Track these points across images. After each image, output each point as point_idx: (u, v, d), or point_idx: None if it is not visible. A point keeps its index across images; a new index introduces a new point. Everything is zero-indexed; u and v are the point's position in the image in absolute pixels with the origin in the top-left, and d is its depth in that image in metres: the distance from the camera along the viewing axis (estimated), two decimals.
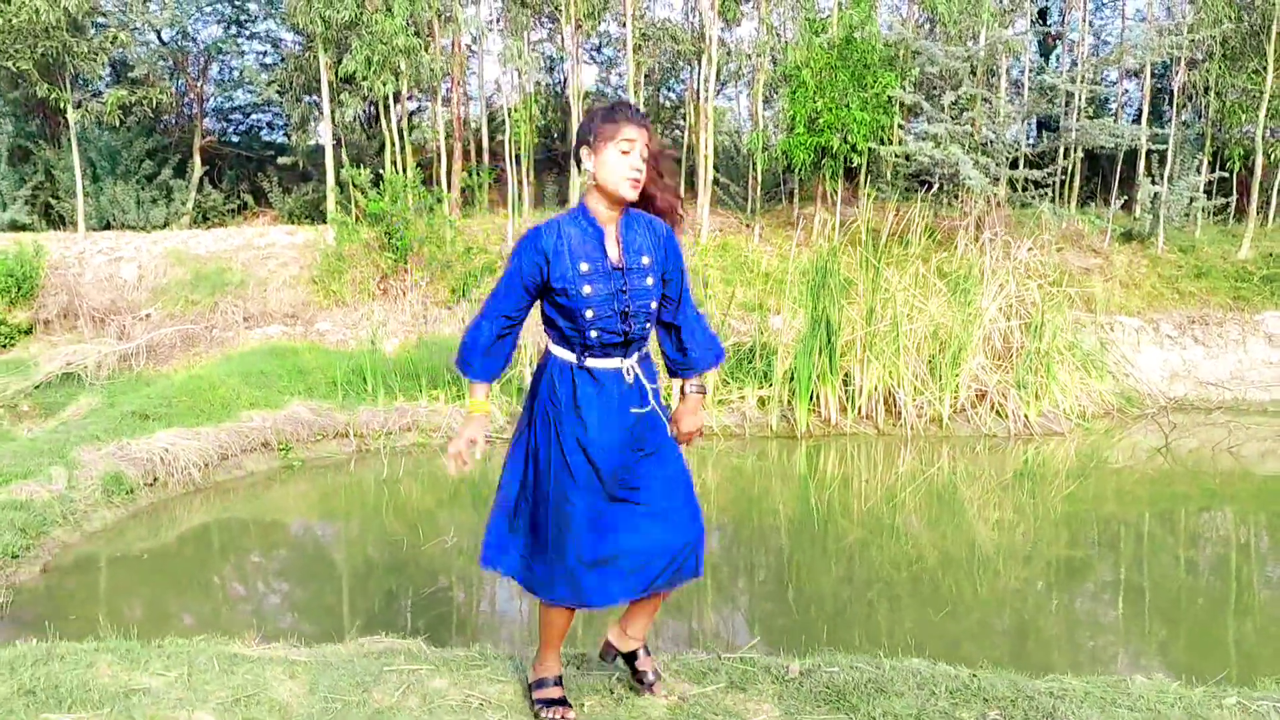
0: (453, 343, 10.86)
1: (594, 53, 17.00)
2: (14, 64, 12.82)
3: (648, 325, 2.90)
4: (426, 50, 13.37)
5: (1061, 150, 13.39)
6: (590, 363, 2.86)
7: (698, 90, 13.66)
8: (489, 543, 3.00)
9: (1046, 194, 11.95)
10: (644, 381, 2.92)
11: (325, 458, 8.80)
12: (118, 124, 14.57)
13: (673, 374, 3.15)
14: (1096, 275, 12.55)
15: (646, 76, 16.50)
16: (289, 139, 16.72)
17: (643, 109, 2.98)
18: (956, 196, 12.34)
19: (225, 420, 8.62)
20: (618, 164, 2.76)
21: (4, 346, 12.05)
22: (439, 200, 12.83)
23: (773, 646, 4.02)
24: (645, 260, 2.86)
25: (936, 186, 12.57)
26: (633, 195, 2.80)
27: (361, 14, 12.20)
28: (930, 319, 9.97)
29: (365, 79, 12.48)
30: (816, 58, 12.04)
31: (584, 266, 2.79)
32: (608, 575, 2.81)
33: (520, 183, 14.58)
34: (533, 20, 14.84)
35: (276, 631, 4.49)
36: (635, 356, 2.91)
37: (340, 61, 12.75)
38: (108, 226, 15.07)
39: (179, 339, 11.92)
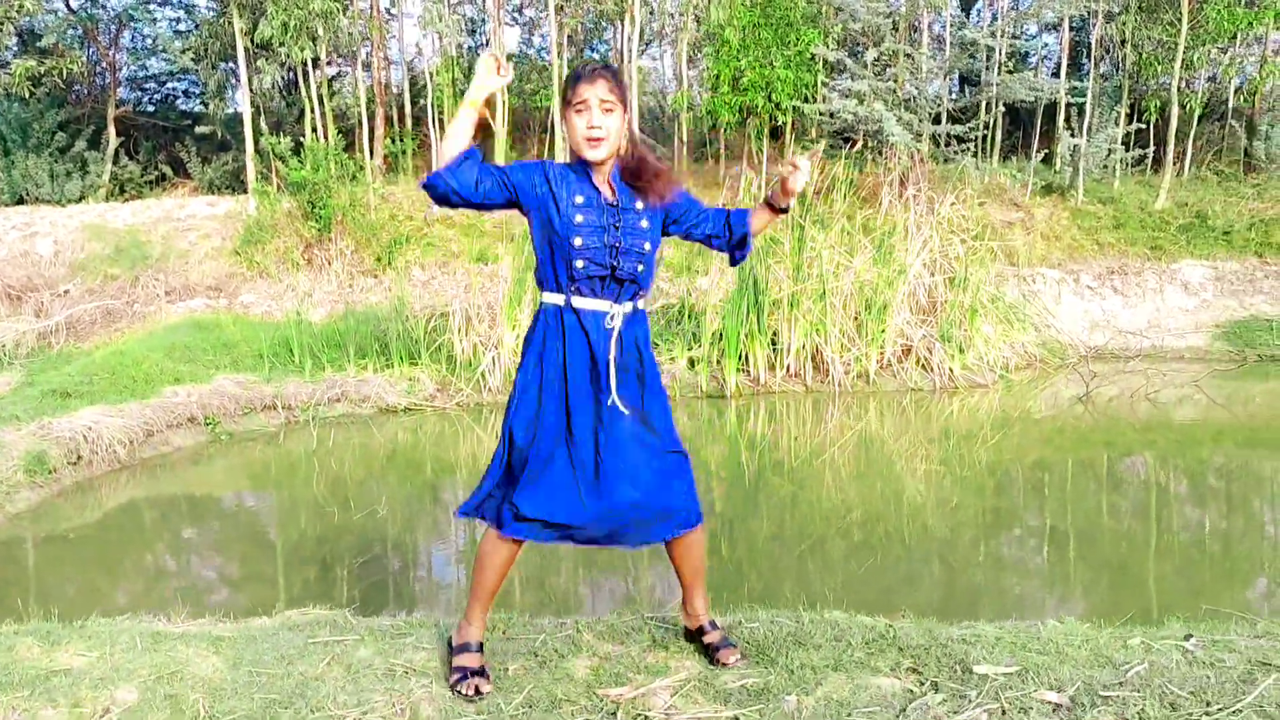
0: (379, 311, 10.80)
1: (515, 14, 16.80)
2: None
3: (640, 268, 2.90)
4: (344, 14, 13.10)
5: (983, 105, 13.59)
6: (577, 302, 2.87)
7: (621, 51, 13.58)
8: (471, 496, 3.02)
9: (969, 149, 12.12)
10: (620, 333, 2.89)
11: (254, 431, 8.71)
12: (27, 95, 14.09)
13: (735, 254, 3.21)
14: (1018, 229, 12.81)
15: (570, 38, 16.35)
16: (206, 108, 16.29)
17: (602, 64, 2.95)
18: (880, 153, 12.46)
19: (150, 396, 8.48)
20: (576, 125, 2.83)
21: None
22: (361, 168, 12.63)
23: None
24: (639, 205, 2.91)
25: (861, 144, 12.70)
26: (594, 155, 2.83)
27: None
28: (856, 276, 10.12)
29: (282, 44, 12.20)
30: (739, 15, 12.03)
31: (579, 199, 2.85)
32: (553, 497, 2.83)
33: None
34: None
35: (206, 607, 4.45)
36: (626, 305, 2.91)
37: (256, 27, 12.44)
38: (20, 201, 14.62)
39: (99, 315, 11.65)
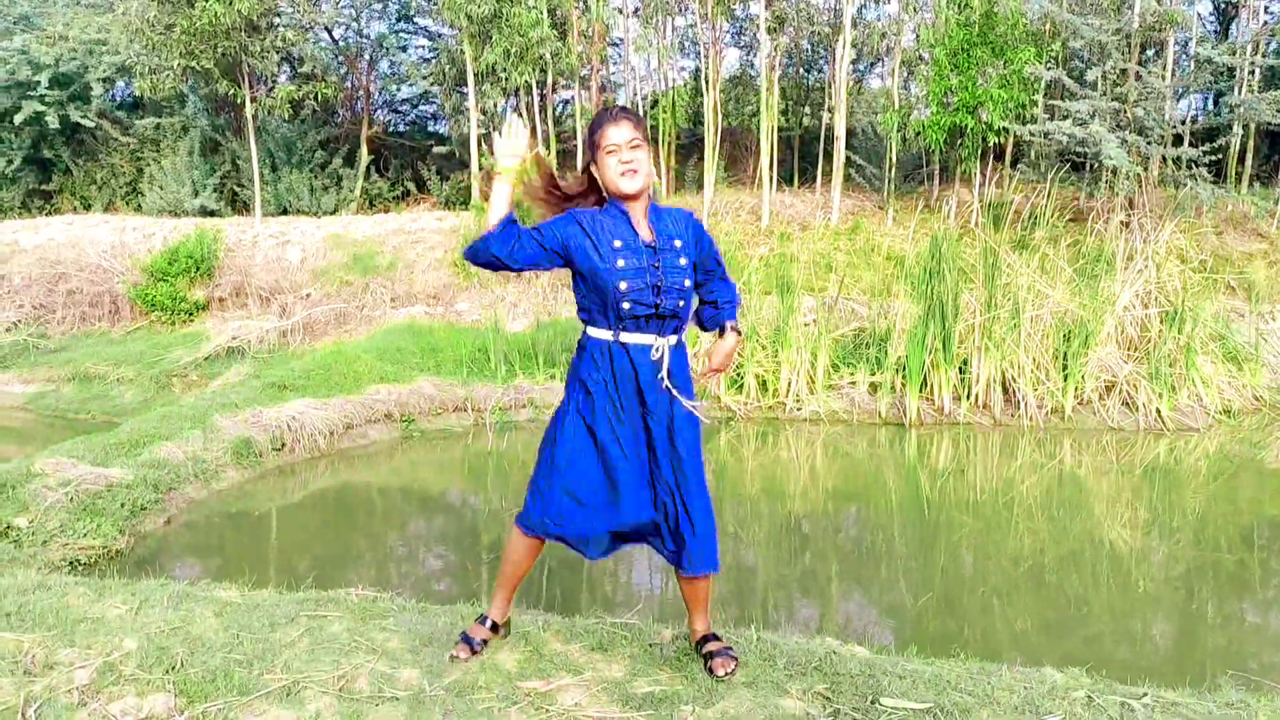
0: (572, 323, 11.25)
1: (736, 36, 17.02)
2: (198, 63, 14.01)
3: (681, 304, 3.07)
4: (564, 40, 13.76)
5: (1233, 127, 12.49)
6: (625, 338, 3.06)
7: (837, 71, 13.49)
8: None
9: (1206, 174, 11.18)
10: (665, 364, 3.08)
11: (443, 430, 9.32)
12: (288, 117, 15.68)
13: (706, 327, 3.33)
14: (1259, 261, 11.66)
15: (789, 57, 16.38)
16: (447, 129, 17.53)
17: (619, 107, 3.13)
18: (1100, 177, 11.72)
19: (355, 393, 9.28)
20: (608, 164, 3.02)
21: (184, 321, 13.24)
22: None
23: (838, 637, 4.04)
24: (677, 243, 3.08)
25: (1079, 166, 11.99)
26: (631, 185, 3.02)
27: (501, 7, 12.68)
28: (1057, 305, 9.58)
29: (504, 71, 12.98)
30: (953, 34, 11.67)
31: (617, 243, 3.02)
32: (576, 512, 3.06)
33: (656, 168, 14.84)
34: (676, 6, 14.99)
35: (299, 577, 4.84)
36: (670, 339, 3.09)
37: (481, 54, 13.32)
38: (284, 212, 16.25)
39: (333, 317, 12.79)
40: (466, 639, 3.24)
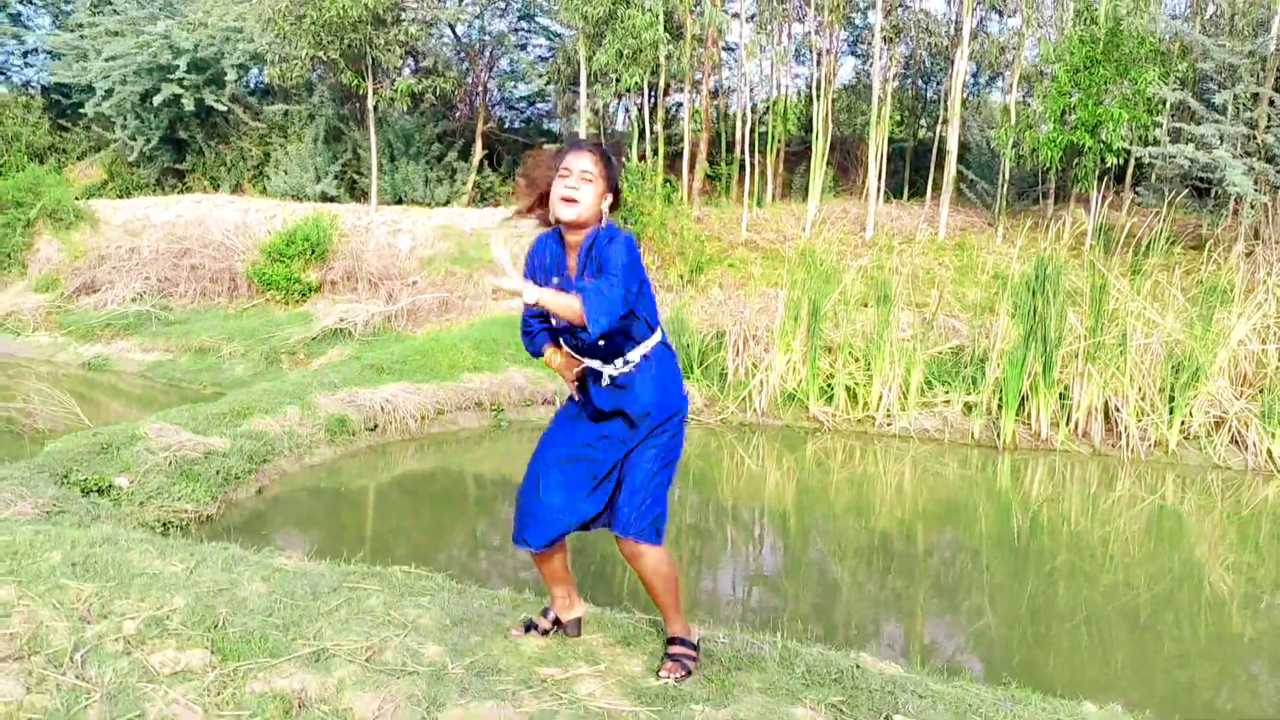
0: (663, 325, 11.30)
1: (853, 45, 16.83)
2: (325, 53, 14.55)
3: (600, 341, 3.08)
4: (677, 43, 13.83)
5: None
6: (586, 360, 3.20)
7: (954, 84, 13.24)
8: None
9: None
10: (615, 382, 3.14)
11: (530, 421, 9.47)
12: (408, 109, 16.14)
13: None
14: None
15: (905, 68, 16.12)
16: (560, 127, 17.79)
17: (594, 142, 3.19)
18: (1228, 206, 11.23)
19: (449, 380, 9.50)
20: (555, 187, 3.06)
21: (297, 301, 13.75)
22: (675, 189, 13.26)
23: (912, 663, 4.00)
24: (588, 279, 3.07)
25: (1208, 193, 11.52)
26: (563, 213, 3.04)
27: (616, 9, 12.82)
28: (1167, 335, 9.22)
29: (616, 72, 13.13)
30: (1076, 50, 11.33)
31: (555, 280, 3.14)
32: (533, 520, 3.19)
33: (763, 174, 14.78)
34: (795, 12, 14.94)
35: (398, 560, 5.00)
36: (616, 364, 3.13)
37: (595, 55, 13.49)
38: (399, 201, 16.73)
39: (436, 305, 13.12)
40: (529, 623, 3.42)
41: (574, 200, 3.02)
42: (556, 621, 3.41)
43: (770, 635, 3.53)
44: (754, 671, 3.12)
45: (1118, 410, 9.10)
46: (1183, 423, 9.00)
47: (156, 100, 16.80)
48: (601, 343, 3.08)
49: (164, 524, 5.69)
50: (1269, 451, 8.74)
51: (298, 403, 8.11)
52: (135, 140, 18.12)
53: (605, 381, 3.12)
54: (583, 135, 14.77)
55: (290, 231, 14.13)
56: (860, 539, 6.80)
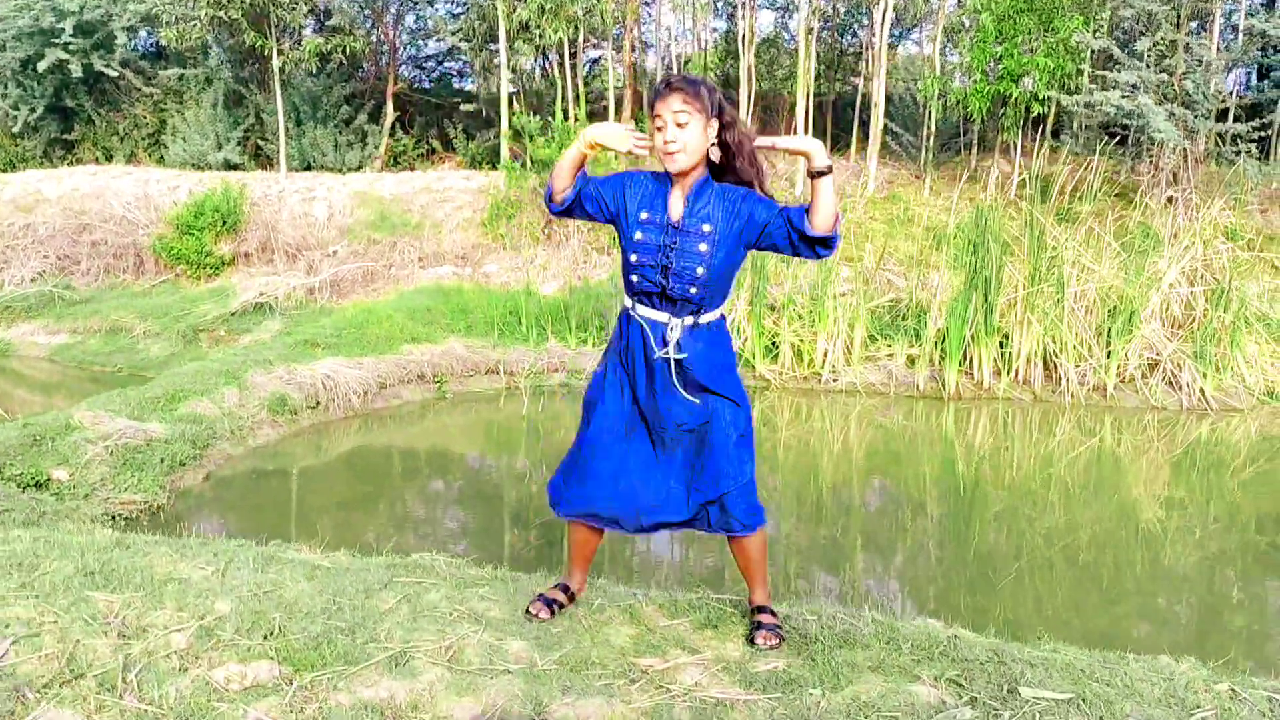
0: (602, 289, 11.12)
1: None
2: (225, 12, 13.80)
3: (692, 289, 2.92)
4: None
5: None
6: (640, 311, 3.02)
7: (875, 36, 13.21)
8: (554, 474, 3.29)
9: (1253, 149, 10.94)
10: (675, 347, 2.96)
11: (476, 393, 9.22)
12: (315, 71, 15.46)
13: (809, 239, 2.94)
14: None
15: (825, 20, 16.06)
16: (475, 87, 17.29)
17: (681, 76, 2.92)
18: (1147, 151, 11.49)
19: (387, 353, 9.17)
20: (656, 141, 2.88)
21: (210, 276, 13.13)
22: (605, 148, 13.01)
23: (887, 610, 3.94)
24: (706, 228, 2.91)
25: (1130, 140, 11.76)
26: (672, 166, 2.88)
27: None
28: (1101, 281, 9.40)
29: (538, 27, 12.75)
30: (1000, 0, 11.41)
31: (644, 215, 2.96)
32: (596, 490, 3.05)
33: None
34: None
35: (356, 540, 4.77)
36: (686, 319, 2.97)
37: (515, 9, 13.07)
38: (308, 167, 16.08)
39: (360, 275, 12.66)
40: (542, 597, 3.25)
41: (674, 151, 2.83)
42: (571, 595, 3.30)
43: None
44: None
45: (1056, 356, 9.27)
46: (1119, 366, 9.21)
47: (40, 67, 15.75)
48: (695, 291, 2.92)
49: (112, 517, 5.33)
50: (1202, 391, 9.01)
51: (234, 383, 7.72)
52: (18, 110, 16.99)
53: (675, 336, 2.96)
54: (503, 95, 14.35)
55: (199, 201, 13.44)
56: (809, 493, 6.82)
